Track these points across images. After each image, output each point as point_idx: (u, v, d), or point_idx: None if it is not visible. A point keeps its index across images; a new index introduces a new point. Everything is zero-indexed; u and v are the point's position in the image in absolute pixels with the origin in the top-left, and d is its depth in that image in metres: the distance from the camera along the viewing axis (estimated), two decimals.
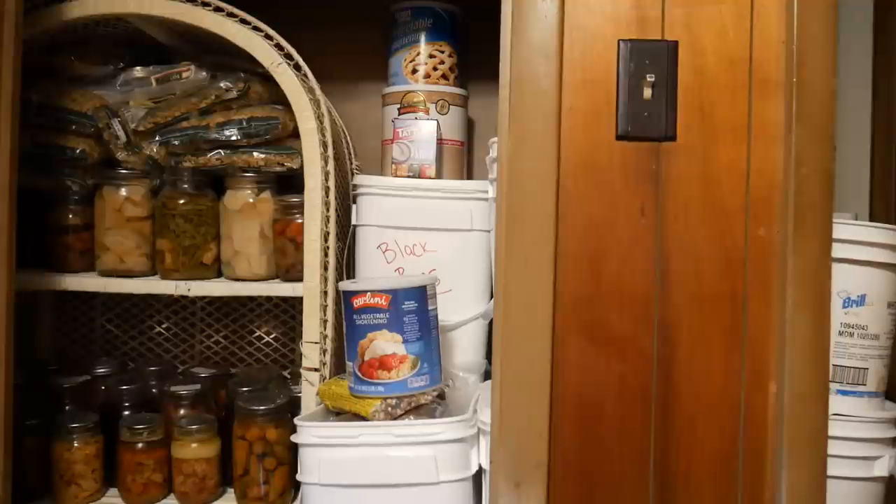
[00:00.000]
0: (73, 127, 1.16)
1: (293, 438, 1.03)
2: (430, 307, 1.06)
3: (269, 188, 1.19)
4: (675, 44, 0.82)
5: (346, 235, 1.23)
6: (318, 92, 1.16)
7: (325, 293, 1.12)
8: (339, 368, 1.16)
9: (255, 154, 1.16)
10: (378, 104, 1.37)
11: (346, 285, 1.07)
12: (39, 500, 1.13)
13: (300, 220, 1.14)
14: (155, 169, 1.20)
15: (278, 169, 1.16)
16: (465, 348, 1.24)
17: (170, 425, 1.15)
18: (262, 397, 1.14)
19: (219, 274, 1.20)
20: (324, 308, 1.12)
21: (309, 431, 1.00)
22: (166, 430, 1.15)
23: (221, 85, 1.16)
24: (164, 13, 1.10)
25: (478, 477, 1.02)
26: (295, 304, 1.34)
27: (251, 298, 1.40)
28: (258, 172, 1.17)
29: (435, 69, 1.34)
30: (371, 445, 0.98)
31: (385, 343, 1.02)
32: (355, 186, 1.23)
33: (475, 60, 1.38)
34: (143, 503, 1.13)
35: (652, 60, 0.81)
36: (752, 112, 0.82)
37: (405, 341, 1.03)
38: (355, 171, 1.36)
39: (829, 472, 0.81)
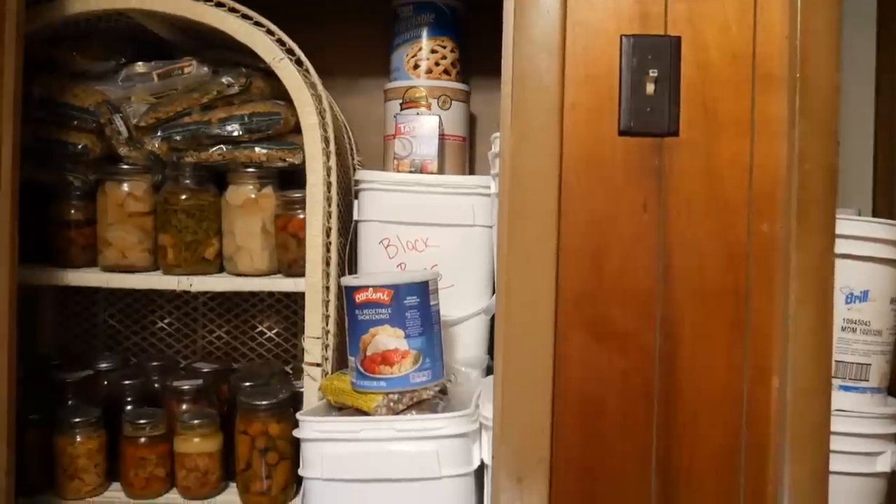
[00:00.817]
0: (75, 122, 1.16)
1: (295, 433, 1.03)
2: (432, 302, 1.06)
3: (271, 183, 1.18)
4: (678, 39, 0.82)
5: (347, 231, 1.23)
6: (319, 87, 1.16)
7: (327, 288, 1.13)
8: (341, 363, 1.16)
9: (256, 149, 1.16)
10: (380, 100, 1.37)
11: (347, 280, 1.07)
12: (42, 495, 1.13)
13: (302, 216, 1.14)
14: (157, 164, 1.20)
15: (280, 164, 1.16)
16: (467, 343, 1.24)
17: (172, 420, 1.15)
18: (265, 392, 1.14)
19: (221, 269, 1.20)
20: (326, 303, 1.12)
21: (311, 426, 1.00)
22: (169, 424, 1.15)
23: (223, 80, 1.16)
24: (166, 9, 1.10)
25: (480, 472, 1.02)
26: (297, 299, 1.33)
27: (253, 294, 1.40)
28: (260, 168, 1.17)
29: (437, 64, 1.33)
30: (373, 440, 0.98)
31: (387, 338, 1.03)
32: (357, 182, 1.23)
33: (477, 56, 1.37)
34: (145, 497, 1.14)
35: (654, 56, 0.81)
36: (755, 107, 0.81)
37: (407, 336, 1.03)
38: (357, 166, 1.36)
39: (832, 467, 0.81)
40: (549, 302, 0.82)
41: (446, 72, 1.34)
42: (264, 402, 1.11)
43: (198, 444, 1.13)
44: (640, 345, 0.82)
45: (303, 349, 1.12)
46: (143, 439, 1.13)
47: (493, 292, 1.20)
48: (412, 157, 1.24)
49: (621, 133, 0.82)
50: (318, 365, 1.11)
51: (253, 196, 1.17)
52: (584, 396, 0.82)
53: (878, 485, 0.97)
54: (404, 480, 0.98)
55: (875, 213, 1.30)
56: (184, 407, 1.17)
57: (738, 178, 0.81)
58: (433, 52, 1.33)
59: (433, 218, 1.21)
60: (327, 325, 1.13)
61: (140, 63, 1.18)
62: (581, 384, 0.82)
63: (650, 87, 0.81)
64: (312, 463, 0.99)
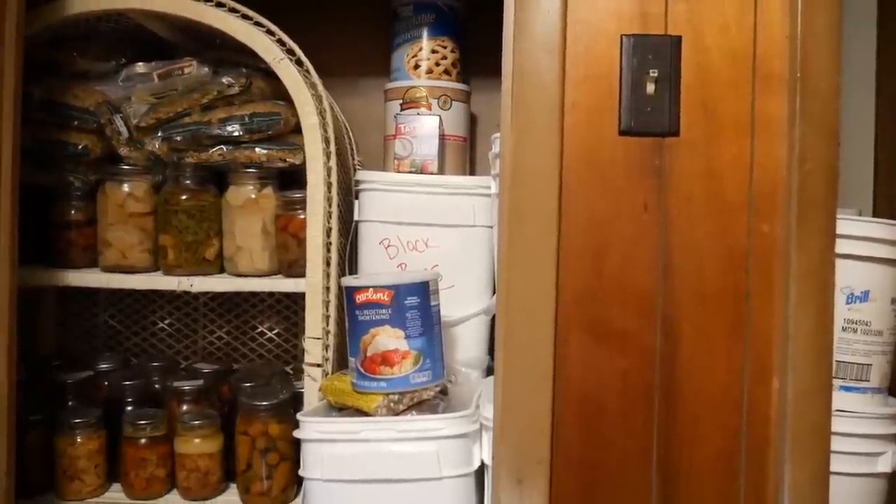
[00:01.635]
0: (76, 123, 1.16)
1: (296, 434, 1.03)
2: (432, 303, 1.06)
3: (272, 184, 1.18)
4: (678, 39, 0.82)
5: (348, 231, 1.23)
6: (320, 87, 1.16)
7: (328, 289, 1.13)
8: (341, 364, 1.16)
9: (257, 150, 1.16)
10: (380, 100, 1.37)
11: (348, 281, 1.07)
12: (42, 496, 1.13)
13: (302, 216, 1.14)
14: (157, 165, 1.20)
15: (280, 165, 1.16)
16: (467, 344, 1.24)
17: (173, 421, 1.15)
18: (265, 393, 1.14)
19: (221, 269, 1.20)
20: (326, 304, 1.12)
21: (311, 427, 1.00)
22: (169, 425, 1.15)
23: (223, 80, 1.16)
24: (166, 9, 1.10)
25: (480, 472, 1.02)
26: (297, 299, 1.33)
27: (253, 294, 1.40)
28: (260, 168, 1.17)
29: (437, 65, 1.33)
30: (373, 441, 0.98)
31: (387, 339, 1.02)
32: (357, 182, 1.23)
33: (477, 56, 1.37)
34: (146, 498, 1.14)
35: (655, 56, 0.81)
36: (756, 108, 0.81)
37: (407, 337, 1.03)
38: (357, 166, 1.36)
39: (832, 468, 0.81)
40: (550, 302, 0.82)
41: (447, 72, 1.34)
42: (265, 403, 1.11)
43: (198, 445, 1.13)
44: (640, 345, 0.82)
45: (303, 350, 1.12)
46: (143, 440, 1.13)
47: (494, 293, 1.20)
48: (412, 157, 1.24)
49: (621, 133, 0.82)
50: (318, 365, 1.11)
51: (253, 196, 1.17)
52: (584, 397, 0.82)
53: (878, 485, 0.97)
54: (405, 481, 0.98)
55: (875, 214, 1.30)
56: (184, 408, 1.17)
57: (738, 179, 0.81)
58: (434, 52, 1.33)
59: (433, 218, 1.21)
60: (328, 325, 1.12)
61: (140, 63, 1.18)
62: (581, 384, 0.82)
63: (650, 87, 0.81)
64: (313, 463, 0.99)
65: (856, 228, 0.95)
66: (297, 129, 1.13)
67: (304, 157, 1.12)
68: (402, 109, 1.31)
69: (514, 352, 0.83)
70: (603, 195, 0.82)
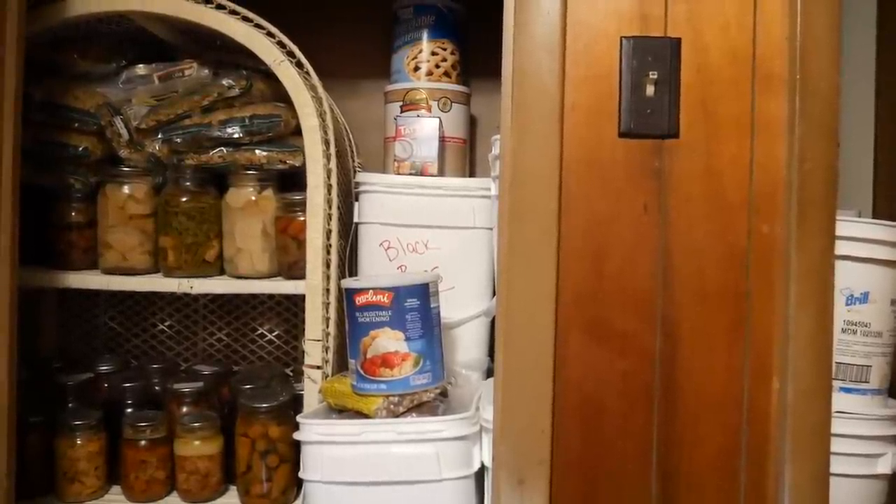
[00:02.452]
0: (76, 124, 1.16)
1: (296, 436, 1.03)
2: (432, 305, 1.06)
3: (272, 186, 1.19)
4: (678, 40, 0.82)
5: (348, 233, 1.23)
6: (320, 89, 1.16)
7: (328, 291, 1.13)
8: (341, 366, 1.16)
9: (257, 152, 1.16)
10: (380, 102, 1.37)
11: (348, 283, 1.07)
12: (42, 497, 1.13)
13: (302, 218, 1.14)
14: (157, 166, 1.20)
15: (280, 166, 1.16)
16: (467, 346, 1.24)
17: (173, 423, 1.15)
18: (265, 395, 1.14)
19: (221, 271, 1.20)
20: (326, 306, 1.12)
21: (311, 429, 1.00)
22: (169, 427, 1.15)
23: (224, 82, 1.16)
24: (167, 11, 1.10)
25: (480, 474, 1.02)
26: (297, 301, 1.33)
27: (253, 296, 1.40)
28: (260, 170, 1.17)
29: (437, 66, 1.33)
30: (374, 443, 0.98)
31: (387, 341, 1.02)
32: (357, 184, 1.23)
33: (477, 57, 1.37)
34: (145, 500, 1.14)
35: (654, 57, 0.81)
36: (756, 108, 0.81)
37: (407, 339, 1.03)
38: (357, 168, 1.36)
39: (832, 469, 0.81)
40: (550, 303, 0.82)
41: (447, 74, 1.34)
42: (265, 405, 1.11)
43: (198, 447, 1.13)
44: (640, 346, 0.82)
45: (303, 351, 1.12)
46: (143, 442, 1.13)
47: (494, 294, 1.20)
48: (413, 159, 1.24)
49: (621, 134, 0.82)
50: (318, 367, 1.11)
51: (253, 198, 1.17)
52: (584, 398, 0.82)
53: (878, 487, 0.97)
54: (405, 483, 0.98)
55: (875, 214, 1.30)
56: (184, 409, 1.17)
57: (738, 180, 0.81)
58: (434, 54, 1.33)
59: (433, 220, 1.21)
60: (327, 327, 1.12)
61: (141, 65, 1.18)
62: (581, 385, 0.82)
63: (650, 89, 0.81)
64: (313, 465, 0.99)
65: (855, 230, 0.95)
66: (298, 131, 1.13)
67: (304, 158, 1.12)
68: (402, 111, 1.31)
69: (514, 353, 0.83)
70: (603, 196, 0.82)
